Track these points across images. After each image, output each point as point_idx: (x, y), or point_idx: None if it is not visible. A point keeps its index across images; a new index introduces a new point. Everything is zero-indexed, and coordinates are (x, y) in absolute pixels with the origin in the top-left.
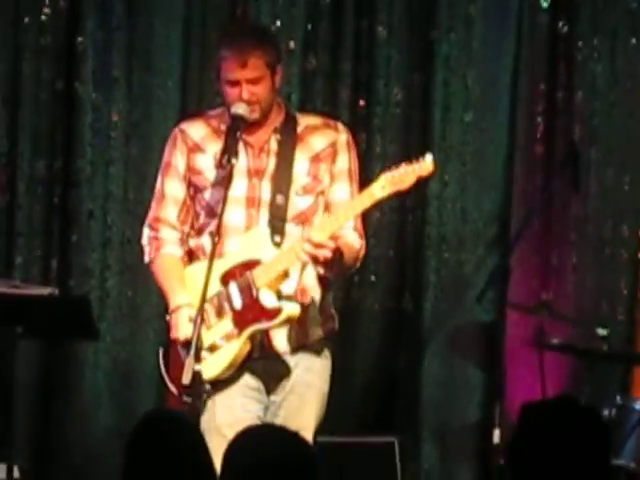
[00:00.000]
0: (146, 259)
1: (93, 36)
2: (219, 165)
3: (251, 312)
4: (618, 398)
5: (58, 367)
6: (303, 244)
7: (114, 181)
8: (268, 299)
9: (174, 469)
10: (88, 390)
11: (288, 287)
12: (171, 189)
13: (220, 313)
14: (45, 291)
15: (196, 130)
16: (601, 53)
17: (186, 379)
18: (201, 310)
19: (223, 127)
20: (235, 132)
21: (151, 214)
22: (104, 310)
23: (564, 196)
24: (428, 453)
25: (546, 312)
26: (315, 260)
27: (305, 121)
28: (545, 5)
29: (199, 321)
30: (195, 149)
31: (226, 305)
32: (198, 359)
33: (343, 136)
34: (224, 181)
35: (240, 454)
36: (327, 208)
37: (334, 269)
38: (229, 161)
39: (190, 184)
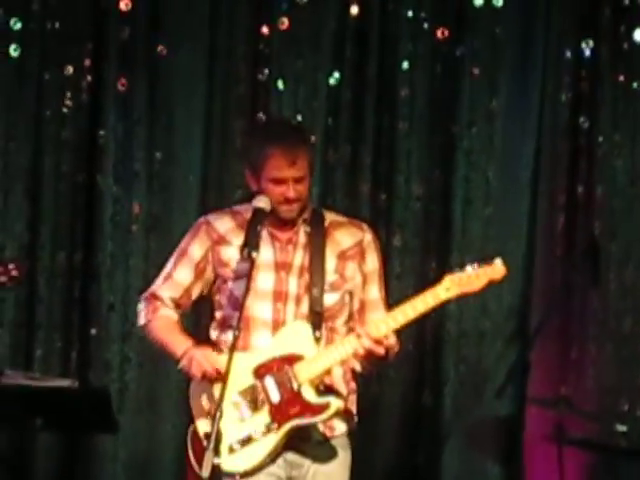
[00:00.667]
0: (141, 321)
1: (114, 129)
2: (241, 258)
3: (292, 407)
4: None
5: (78, 459)
6: (361, 340)
7: (134, 274)
8: (311, 395)
9: None
10: None
11: (335, 381)
12: (180, 275)
13: (255, 406)
14: (65, 383)
15: (222, 223)
16: (621, 148)
17: (205, 472)
18: (220, 403)
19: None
20: (256, 225)
21: (152, 289)
22: (123, 402)
23: (584, 291)
24: None
25: (565, 407)
26: (367, 356)
27: (330, 216)
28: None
29: (218, 415)
30: (221, 241)
31: (262, 398)
32: (217, 452)
33: (369, 235)
34: (246, 274)
35: None
36: (362, 308)
37: (377, 366)
38: (249, 254)
39: (217, 276)
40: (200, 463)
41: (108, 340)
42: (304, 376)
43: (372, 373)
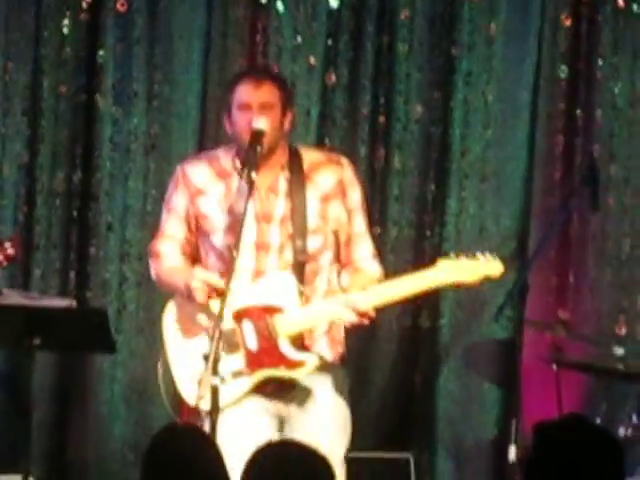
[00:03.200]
0: (153, 278)
1: (113, 49)
2: (230, 206)
3: (268, 357)
4: (634, 417)
5: (75, 379)
6: (348, 312)
7: (133, 194)
8: (288, 350)
9: None
10: (104, 403)
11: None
12: (171, 229)
13: (230, 349)
14: (63, 303)
15: (198, 173)
16: (621, 71)
17: (203, 392)
18: (218, 325)
19: (227, 166)
20: (255, 147)
21: (152, 245)
22: (121, 323)
23: (582, 214)
24: (443, 470)
25: (563, 330)
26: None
27: (308, 156)
28: (567, 23)
29: (217, 335)
30: (197, 193)
31: (237, 342)
32: (215, 372)
33: (348, 171)
34: (234, 225)
35: (259, 469)
36: (349, 241)
37: None
38: (249, 176)
39: (197, 228)
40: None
41: (106, 260)
42: (283, 329)
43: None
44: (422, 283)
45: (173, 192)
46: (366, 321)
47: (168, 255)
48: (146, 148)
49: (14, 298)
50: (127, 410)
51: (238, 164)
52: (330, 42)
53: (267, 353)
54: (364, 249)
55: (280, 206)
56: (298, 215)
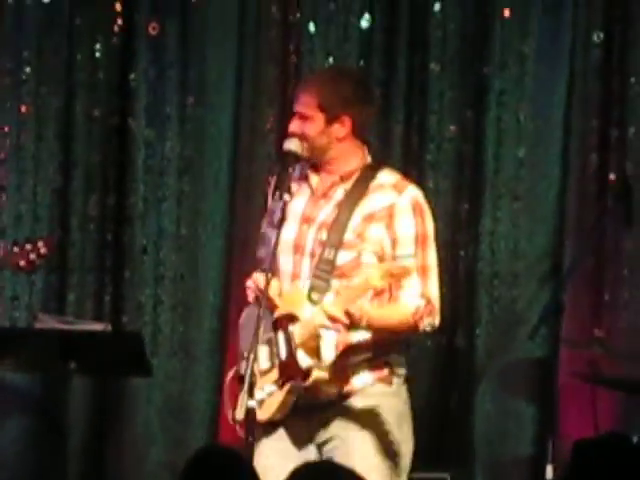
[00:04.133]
0: None
1: (146, 72)
2: (272, 199)
3: (289, 368)
4: None
5: (111, 403)
6: (320, 315)
7: (167, 217)
8: (302, 359)
9: None
10: (141, 426)
11: (325, 347)
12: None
13: (271, 358)
14: (98, 327)
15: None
16: None
17: (239, 414)
18: (254, 346)
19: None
20: (286, 169)
21: None
22: (157, 346)
23: (616, 231)
24: None
25: (599, 348)
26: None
27: (382, 178)
28: (597, 41)
29: (252, 357)
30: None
31: (274, 352)
32: (251, 395)
33: (405, 199)
34: (281, 222)
35: None
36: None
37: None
38: (281, 197)
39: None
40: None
41: (141, 283)
42: (298, 338)
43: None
44: (365, 284)
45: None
46: (339, 327)
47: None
48: (179, 171)
49: (49, 322)
50: (163, 433)
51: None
52: (362, 62)
53: (289, 364)
54: (409, 285)
55: (325, 212)
56: (338, 225)
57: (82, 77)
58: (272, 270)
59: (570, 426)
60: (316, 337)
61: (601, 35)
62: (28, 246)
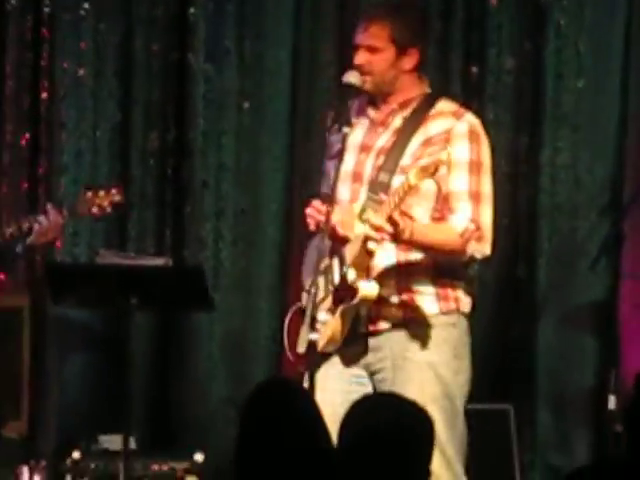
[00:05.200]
0: None
1: (204, 7)
2: (330, 133)
3: (342, 290)
4: None
5: (173, 338)
6: (364, 227)
7: (227, 152)
8: (351, 277)
9: (290, 436)
10: (203, 360)
11: (378, 264)
12: None
13: (326, 287)
14: (159, 262)
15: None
16: None
17: (301, 348)
18: (315, 277)
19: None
20: (346, 101)
21: None
22: (218, 280)
23: None
24: (543, 420)
25: None
26: (375, 240)
27: (441, 106)
28: None
29: (313, 290)
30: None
31: (330, 279)
32: (313, 328)
33: (463, 125)
34: (341, 153)
35: (356, 421)
36: (446, 199)
37: (433, 255)
38: (340, 130)
39: None
40: (292, 348)
41: (202, 218)
42: (348, 257)
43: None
44: (404, 186)
45: None
46: (384, 235)
47: None
48: (239, 105)
49: (110, 258)
50: (226, 367)
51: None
52: None
53: (342, 287)
54: (461, 209)
55: (382, 139)
56: (396, 150)
57: (141, 12)
58: (333, 200)
59: (633, 357)
60: (366, 254)
61: None
62: (102, 192)
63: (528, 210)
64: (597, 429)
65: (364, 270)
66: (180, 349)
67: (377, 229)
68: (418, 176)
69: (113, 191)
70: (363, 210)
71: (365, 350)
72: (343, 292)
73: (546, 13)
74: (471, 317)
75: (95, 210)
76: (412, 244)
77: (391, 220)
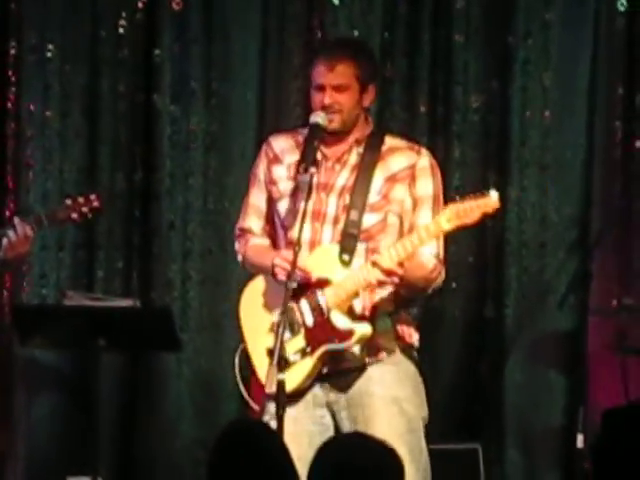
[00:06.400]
0: (239, 259)
1: (170, 48)
2: (295, 175)
3: (323, 332)
4: None
5: (141, 378)
6: (372, 270)
7: (194, 192)
8: (340, 320)
9: (259, 478)
10: (171, 401)
11: (358, 305)
12: (255, 199)
13: (293, 329)
14: (127, 303)
15: (279, 142)
16: None
17: (269, 388)
18: (284, 318)
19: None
20: (312, 141)
21: (238, 225)
22: (186, 321)
23: None
24: (512, 459)
25: (628, 316)
26: (382, 285)
27: (390, 141)
28: (622, 9)
29: (281, 330)
30: (274, 160)
31: (299, 321)
32: (281, 368)
33: (424, 160)
34: (297, 192)
35: (325, 463)
36: (411, 231)
37: (402, 291)
38: (306, 170)
39: (269, 195)
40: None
41: (169, 258)
42: (332, 300)
43: (407, 296)
44: (435, 230)
45: (257, 163)
46: (395, 279)
47: (256, 232)
48: (206, 146)
49: (78, 299)
50: (194, 407)
51: (293, 166)
52: (386, 35)
53: (322, 329)
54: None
55: (343, 177)
56: (360, 188)
57: (106, 54)
58: (293, 242)
59: (600, 395)
60: (352, 297)
61: (625, 2)
62: (81, 199)
63: (495, 248)
64: (565, 467)
65: (345, 312)
66: (148, 390)
67: (389, 273)
68: (451, 221)
69: (92, 197)
70: (342, 252)
71: (329, 390)
72: (323, 334)
73: (512, 51)
74: (437, 355)
75: (75, 216)
76: (402, 283)
77: (402, 265)
